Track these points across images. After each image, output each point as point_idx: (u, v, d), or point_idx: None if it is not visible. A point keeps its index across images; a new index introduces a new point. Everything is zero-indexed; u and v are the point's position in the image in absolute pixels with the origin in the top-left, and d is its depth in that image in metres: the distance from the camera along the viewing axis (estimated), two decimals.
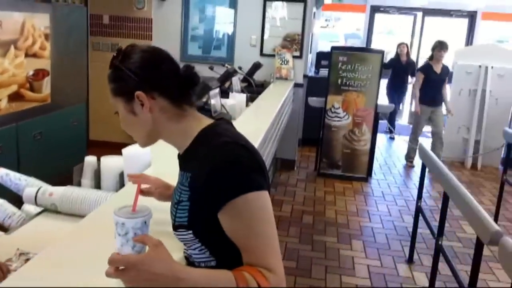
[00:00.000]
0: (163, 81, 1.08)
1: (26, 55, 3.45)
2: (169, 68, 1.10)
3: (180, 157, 1.15)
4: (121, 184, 1.86)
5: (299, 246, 3.60)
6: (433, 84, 5.59)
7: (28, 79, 3.49)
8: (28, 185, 1.84)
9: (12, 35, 3.28)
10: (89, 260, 1.15)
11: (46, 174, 2.02)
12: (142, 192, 1.31)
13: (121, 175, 1.88)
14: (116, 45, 5.56)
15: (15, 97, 3.35)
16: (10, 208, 1.76)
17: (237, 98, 3.35)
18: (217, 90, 2.94)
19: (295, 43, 5.22)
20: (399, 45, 7.43)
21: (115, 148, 2.07)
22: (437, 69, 5.62)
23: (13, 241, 1.54)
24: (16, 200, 1.86)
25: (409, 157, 6.09)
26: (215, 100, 2.85)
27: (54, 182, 1.95)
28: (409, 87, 7.66)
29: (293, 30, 5.22)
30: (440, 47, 5.55)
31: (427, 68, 5.65)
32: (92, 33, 5.55)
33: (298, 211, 4.28)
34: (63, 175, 2.40)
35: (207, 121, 1.12)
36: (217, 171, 0.99)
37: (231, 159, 1.00)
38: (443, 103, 5.75)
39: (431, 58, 5.68)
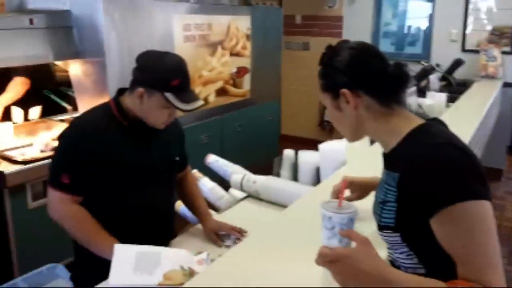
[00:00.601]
0: (370, 79, 1.06)
1: (231, 54, 3.81)
2: (377, 66, 1.07)
3: (385, 156, 1.11)
4: (317, 178, 1.91)
5: (510, 268, 3.17)
6: None
7: (232, 76, 3.85)
8: (234, 171, 2.03)
9: (220, 37, 3.66)
10: (294, 246, 1.21)
11: (244, 163, 2.19)
12: None
13: (317, 170, 1.92)
14: (306, 44, 5.80)
15: (221, 92, 3.73)
16: (220, 191, 1.96)
17: (435, 98, 3.14)
18: (413, 89, 2.80)
19: (505, 37, 4.62)
20: None
21: (305, 144, 2.14)
22: None
23: (224, 220, 1.72)
24: (223, 184, 2.06)
25: None
26: (411, 99, 2.72)
27: (251, 171, 2.11)
28: None
29: (503, 23, 4.62)
30: None
31: None
32: (285, 32, 5.83)
33: (507, 228, 3.76)
34: (259, 165, 2.59)
35: (418, 121, 1.06)
36: (432, 174, 0.92)
37: (448, 163, 0.92)
38: None
39: None
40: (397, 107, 1.07)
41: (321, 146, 1.92)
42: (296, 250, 1.18)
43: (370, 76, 1.06)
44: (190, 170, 1.86)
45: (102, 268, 1.32)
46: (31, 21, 2.54)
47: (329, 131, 5.56)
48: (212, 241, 1.64)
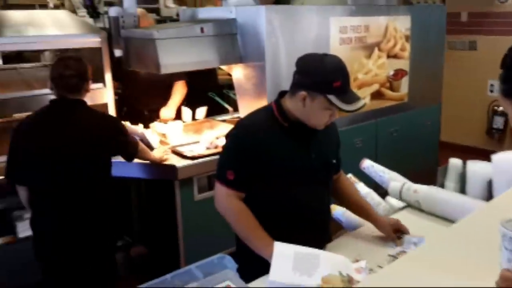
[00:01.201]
0: None
1: (388, 56, 3.66)
2: None
3: None
4: (489, 193, 1.71)
5: None
6: None
7: (388, 79, 3.70)
8: (391, 178, 1.94)
9: (377, 38, 3.54)
10: (463, 265, 1.10)
11: (399, 169, 2.07)
12: None
13: (489, 183, 1.73)
14: (473, 43, 5.30)
15: (376, 95, 3.61)
16: (376, 197, 1.89)
17: None
18: None
19: None
20: None
21: (468, 152, 1.94)
22: None
23: None
24: (377, 191, 1.98)
25: None
26: None
27: (407, 179, 1.98)
28: None
29: None
30: None
31: None
32: (448, 31, 5.41)
33: None
34: (416, 173, 2.43)
35: None
36: None
37: None
38: None
39: None
40: None
41: (496, 157, 1.72)
42: (466, 269, 1.08)
43: None
44: (343, 173, 1.83)
45: (262, 262, 1.37)
46: (201, 30, 2.78)
47: (498, 140, 5.01)
48: (391, 239, 1.62)
